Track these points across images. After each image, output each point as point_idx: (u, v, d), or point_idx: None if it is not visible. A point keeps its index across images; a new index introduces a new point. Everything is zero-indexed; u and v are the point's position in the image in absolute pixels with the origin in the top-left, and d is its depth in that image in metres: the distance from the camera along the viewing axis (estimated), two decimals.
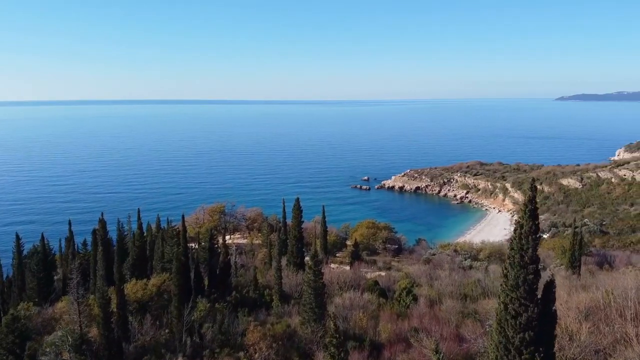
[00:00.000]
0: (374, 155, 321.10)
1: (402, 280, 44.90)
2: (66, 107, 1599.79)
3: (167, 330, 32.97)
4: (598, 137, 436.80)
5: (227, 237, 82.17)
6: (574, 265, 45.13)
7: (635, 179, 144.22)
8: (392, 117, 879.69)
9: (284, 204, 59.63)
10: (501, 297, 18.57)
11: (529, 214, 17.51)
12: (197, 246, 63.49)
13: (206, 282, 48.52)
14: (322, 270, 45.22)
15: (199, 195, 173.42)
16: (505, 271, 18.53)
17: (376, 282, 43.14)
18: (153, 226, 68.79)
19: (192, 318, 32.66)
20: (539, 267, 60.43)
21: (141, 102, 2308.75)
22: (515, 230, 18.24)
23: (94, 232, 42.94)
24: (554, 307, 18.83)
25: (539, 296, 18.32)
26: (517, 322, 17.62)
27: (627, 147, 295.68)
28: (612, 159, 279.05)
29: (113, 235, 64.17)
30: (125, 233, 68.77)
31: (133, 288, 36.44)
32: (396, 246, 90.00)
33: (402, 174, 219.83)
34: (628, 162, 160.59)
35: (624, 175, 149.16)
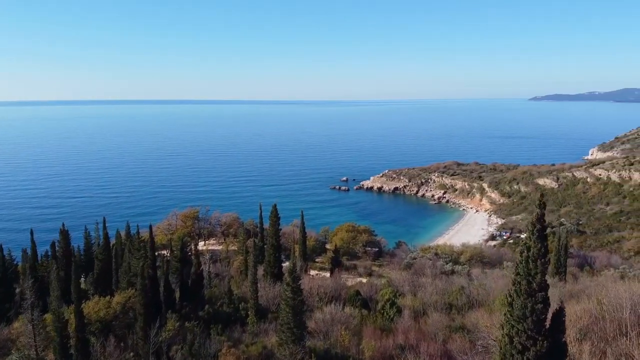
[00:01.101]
0: (352, 155, 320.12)
1: (384, 290, 42.95)
2: (38, 107, 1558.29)
3: (132, 353, 30.23)
4: (572, 137, 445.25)
5: (202, 243, 79.19)
6: (559, 270, 43.80)
7: (610, 178, 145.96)
8: (368, 118, 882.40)
9: (260, 208, 57.15)
10: (505, 329, 16.64)
11: (537, 234, 15.57)
12: (169, 254, 60.60)
13: (177, 295, 45.72)
14: (301, 282, 43.14)
15: (173, 200, 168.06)
16: (509, 299, 16.61)
17: (358, 293, 41.08)
18: (123, 233, 65.36)
19: (160, 339, 30.01)
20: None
21: (120, 102, 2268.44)
22: (521, 252, 16.32)
23: (53, 245, 39.60)
24: (563, 339, 16.97)
25: (547, 326, 16.41)
26: (525, 357, 15.69)
27: (601, 146, 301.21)
28: (585, 158, 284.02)
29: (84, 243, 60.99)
30: (93, 242, 65.24)
31: (95, 306, 33.50)
32: (376, 249, 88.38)
33: (381, 174, 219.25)
34: (603, 162, 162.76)
35: (600, 175, 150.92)
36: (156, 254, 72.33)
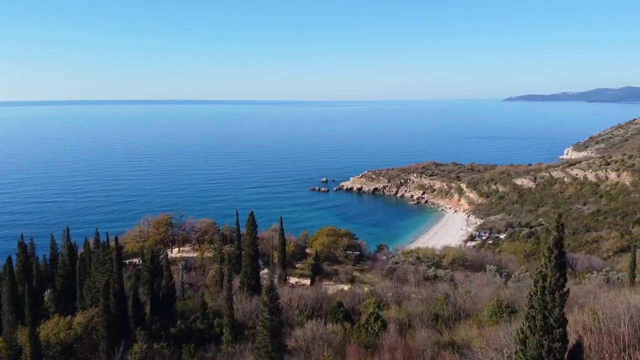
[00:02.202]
0: (331, 156, 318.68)
1: (368, 300, 41.01)
2: (6, 108, 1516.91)
3: None
4: (547, 137, 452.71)
5: (176, 249, 76.03)
6: None
7: (587, 178, 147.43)
8: (346, 118, 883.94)
9: (237, 215, 54.55)
10: None
11: (555, 262, 13.65)
12: (140, 262, 57.54)
13: (148, 309, 42.91)
14: (280, 295, 40.83)
15: (151, 204, 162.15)
16: (521, 335, 14.65)
17: (340, 304, 39.00)
18: (92, 241, 61.85)
19: None
20: (504, 272, 57.48)
21: (97, 102, 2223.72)
22: (535, 282, 14.40)
23: (9, 259, 36.29)
24: None
25: None
26: None
27: (575, 146, 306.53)
28: (561, 157, 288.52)
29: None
30: (60, 251, 61.54)
31: (54, 327, 30.59)
32: (357, 252, 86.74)
33: (360, 175, 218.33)
34: (580, 162, 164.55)
35: (576, 174, 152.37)
36: (127, 262, 69.26)
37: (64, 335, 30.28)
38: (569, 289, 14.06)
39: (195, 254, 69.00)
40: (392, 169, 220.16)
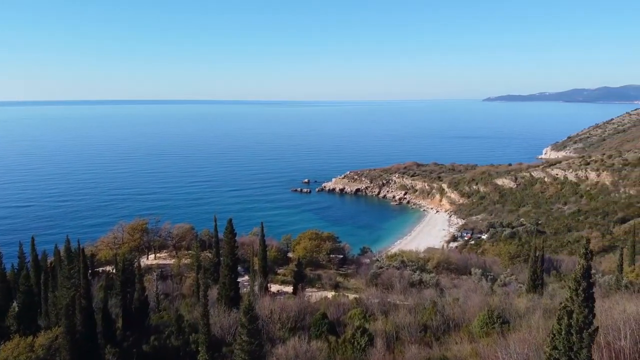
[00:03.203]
0: (313, 156, 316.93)
1: (353, 310, 39.18)
2: None
3: None
4: (525, 136, 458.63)
5: (152, 256, 73.14)
6: (536, 283, 41.17)
7: (567, 178, 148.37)
8: (327, 118, 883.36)
9: (215, 221, 52.21)
10: None
11: (583, 296, 11.83)
12: (114, 270, 54.75)
13: (120, 323, 40.35)
14: (261, 307, 38.75)
15: (129, 209, 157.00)
16: None
17: (324, 316, 37.08)
18: (62, 249, 58.68)
19: None
20: (490, 275, 56.28)
21: (76, 102, 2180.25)
22: (559, 319, 12.58)
23: None
24: None
25: None
26: None
27: (554, 145, 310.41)
28: (539, 157, 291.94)
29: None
30: (28, 260, 58.23)
31: (14, 350, 27.97)
32: (341, 256, 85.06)
33: (343, 175, 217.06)
34: (560, 162, 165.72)
35: (557, 174, 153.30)
36: (100, 270, 66.23)
37: (25, 358, 27.69)
38: (597, 327, 12.31)
39: (172, 261, 66.28)
40: (374, 170, 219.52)
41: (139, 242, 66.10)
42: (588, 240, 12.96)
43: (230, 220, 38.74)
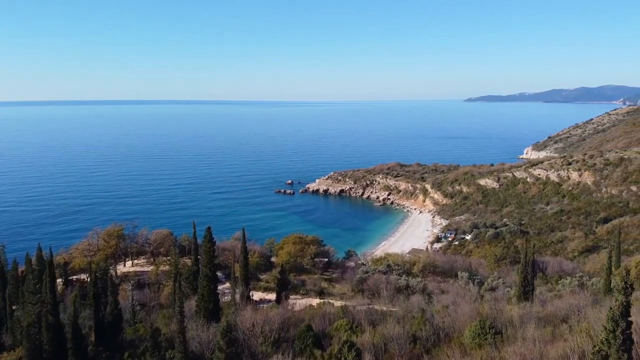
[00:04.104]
0: (297, 157, 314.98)
1: (339, 322, 37.43)
2: None
3: None
4: (506, 137, 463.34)
5: (129, 263, 70.40)
6: (527, 289, 39.94)
7: (549, 178, 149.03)
8: (310, 119, 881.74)
9: (194, 227, 49.96)
10: None
11: (622, 339, 10.00)
12: (88, 279, 52.14)
13: (93, 337, 37.98)
14: (242, 317, 36.77)
15: (105, 213, 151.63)
16: None
17: (309, 328, 35.28)
18: (34, 258, 55.77)
19: None
20: (477, 278, 55.05)
21: (55, 103, 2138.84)
22: (594, 354, 10.92)
23: None
24: None
25: None
26: None
27: (535, 145, 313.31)
28: (520, 157, 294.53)
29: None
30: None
31: None
32: (325, 259, 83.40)
33: (326, 176, 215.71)
34: (542, 162, 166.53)
35: (539, 174, 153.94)
36: (74, 278, 63.33)
37: None
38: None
39: (150, 268, 63.72)
40: (358, 170, 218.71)
41: (114, 249, 63.36)
42: (627, 272, 11.38)
43: (209, 228, 36.66)
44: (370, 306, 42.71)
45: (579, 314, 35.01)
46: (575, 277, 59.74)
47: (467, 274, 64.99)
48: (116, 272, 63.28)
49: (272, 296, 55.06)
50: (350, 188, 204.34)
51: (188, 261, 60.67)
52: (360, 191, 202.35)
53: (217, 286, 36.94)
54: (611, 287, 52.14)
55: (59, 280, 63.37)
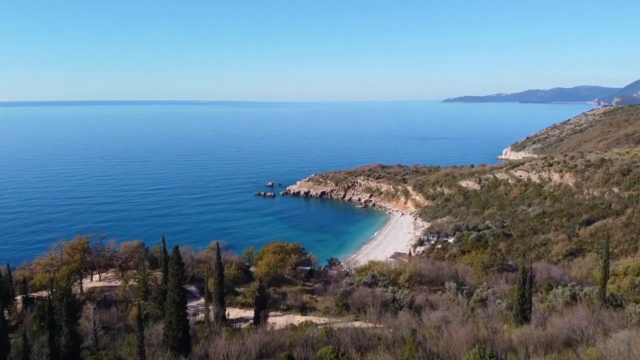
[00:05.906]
0: (277, 159, 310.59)
1: (324, 349, 33.96)
2: None
3: None
4: (485, 137, 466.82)
5: (97, 277, 65.67)
6: (524, 308, 37.10)
7: (530, 179, 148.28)
8: (290, 120, 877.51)
9: (163, 241, 45.85)
10: None
11: None
12: (49, 296, 47.68)
13: None
14: (212, 349, 33.07)
15: (84, 224, 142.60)
16: None
17: (290, 358, 31.82)
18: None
19: None
20: (465, 289, 51.98)
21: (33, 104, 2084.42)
22: None
23: None
24: None
25: None
26: None
27: (513, 146, 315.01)
28: (499, 157, 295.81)
29: None
30: None
31: None
32: (307, 268, 79.91)
33: (307, 178, 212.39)
34: (523, 163, 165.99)
35: (520, 176, 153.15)
36: (35, 296, 58.54)
37: None
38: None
39: (119, 283, 59.26)
40: (340, 172, 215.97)
41: (79, 264, 58.73)
42: None
43: (177, 247, 32.81)
44: (357, 324, 39.31)
45: (582, 335, 32.44)
46: (567, 286, 57.44)
47: (454, 284, 62.21)
48: (82, 288, 58.66)
49: (250, 313, 51.29)
50: (331, 190, 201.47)
51: (160, 274, 56.55)
52: (342, 193, 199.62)
53: (186, 312, 33.06)
54: (606, 297, 50.06)
55: (18, 298, 58.74)
